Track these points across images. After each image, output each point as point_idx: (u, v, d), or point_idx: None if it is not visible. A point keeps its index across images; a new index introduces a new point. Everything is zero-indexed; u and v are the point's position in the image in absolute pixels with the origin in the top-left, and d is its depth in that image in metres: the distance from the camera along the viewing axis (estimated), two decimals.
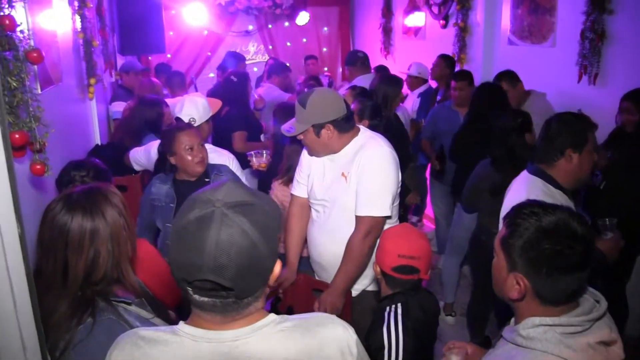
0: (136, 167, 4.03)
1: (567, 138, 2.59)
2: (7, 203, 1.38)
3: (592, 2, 4.36)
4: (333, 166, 2.92)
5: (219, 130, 4.98)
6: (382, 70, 6.19)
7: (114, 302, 1.73)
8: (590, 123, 2.69)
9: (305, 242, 3.19)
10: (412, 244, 2.30)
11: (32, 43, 2.06)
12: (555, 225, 1.47)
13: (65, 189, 2.41)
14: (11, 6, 1.90)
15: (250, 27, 9.01)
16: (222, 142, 4.75)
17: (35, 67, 2.55)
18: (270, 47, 9.13)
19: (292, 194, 3.21)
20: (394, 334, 2.19)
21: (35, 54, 1.98)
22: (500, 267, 1.60)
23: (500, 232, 1.61)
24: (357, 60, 6.10)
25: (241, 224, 1.21)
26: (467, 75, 5.11)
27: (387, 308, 2.28)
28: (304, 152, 3.10)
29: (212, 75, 8.24)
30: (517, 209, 1.57)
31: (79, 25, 4.18)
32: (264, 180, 4.33)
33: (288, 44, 9.29)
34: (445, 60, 5.91)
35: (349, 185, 2.84)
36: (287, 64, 7.17)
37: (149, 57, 7.97)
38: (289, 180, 3.47)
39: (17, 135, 1.91)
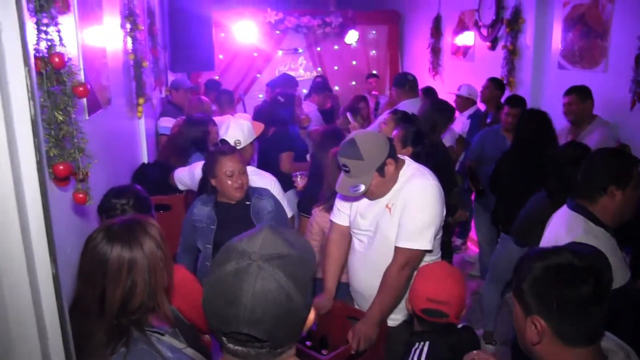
0: (180, 187, 4.12)
1: (610, 175, 2.52)
2: (43, 245, 1.44)
3: None
4: (382, 197, 2.91)
5: (266, 151, 5.06)
6: (430, 93, 6.17)
7: (147, 332, 1.78)
8: (634, 159, 2.62)
9: (343, 268, 3.20)
10: (443, 288, 2.29)
11: (82, 77, 2.13)
12: (557, 264, 1.51)
13: (105, 216, 2.51)
14: (62, 44, 1.99)
15: (300, 48, 9.14)
16: (269, 163, 4.86)
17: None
18: (319, 68, 9.23)
19: (332, 221, 3.23)
20: None
21: (81, 89, 2.06)
22: (518, 317, 1.61)
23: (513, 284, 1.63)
24: (405, 83, 6.05)
25: (277, 277, 1.22)
26: (521, 102, 5.06)
27: (416, 344, 2.29)
28: None
29: (261, 96, 8.34)
30: (522, 258, 1.61)
31: (130, 46, 4.32)
32: (303, 200, 4.37)
33: (336, 68, 9.38)
34: (494, 83, 5.85)
35: (392, 217, 2.84)
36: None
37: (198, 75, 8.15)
38: (330, 208, 3.46)
39: (61, 167, 1.99)
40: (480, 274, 5.51)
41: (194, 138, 4.41)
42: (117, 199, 2.51)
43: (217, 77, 8.27)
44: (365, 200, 2.97)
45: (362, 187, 2.74)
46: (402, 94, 5.99)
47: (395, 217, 2.83)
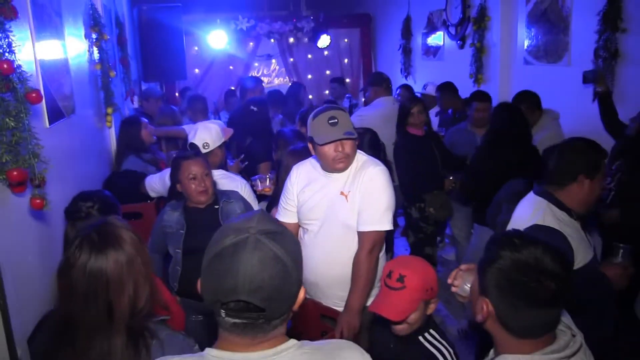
0: (152, 194, 4.11)
1: (583, 164, 2.57)
2: None
3: (604, 21, 4.36)
4: (333, 185, 2.97)
5: (247, 161, 5.02)
6: (407, 88, 6.30)
7: (157, 322, 1.81)
8: (604, 151, 2.69)
9: None
10: None
11: (38, 84, 2.12)
12: (526, 259, 1.48)
13: (71, 218, 2.52)
14: (11, 51, 2.01)
15: (272, 54, 9.21)
16: (250, 173, 4.78)
17: (44, 102, 2.67)
18: (292, 63, 9.27)
19: (279, 221, 3.20)
20: None
21: (34, 95, 2.09)
22: (474, 290, 1.63)
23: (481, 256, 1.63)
24: (382, 82, 6.04)
25: (274, 249, 1.31)
26: (489, 97, 5.13)
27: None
28: (294, 175, 3.14)
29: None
30: (497, 238, 1.59)
31: (96, 56, 4.34)
32: (268, 208, 4.21)
33: (310, 76, 9.43)
34: (446, 92, 6.01)
35: (350, 204, 2.90)
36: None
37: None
38: None
39: (14, 173, 2.03)
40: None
41: (126, 140, 4.47)
42: (83, 202, 2.51)
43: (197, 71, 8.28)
44: (319, 188, 3.00)
45: (355, 134, 2.88)
46: (379, 92, 5.95)
47: (354, 204, 2.89)
